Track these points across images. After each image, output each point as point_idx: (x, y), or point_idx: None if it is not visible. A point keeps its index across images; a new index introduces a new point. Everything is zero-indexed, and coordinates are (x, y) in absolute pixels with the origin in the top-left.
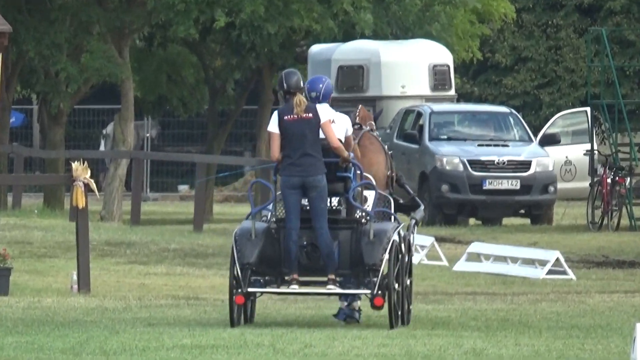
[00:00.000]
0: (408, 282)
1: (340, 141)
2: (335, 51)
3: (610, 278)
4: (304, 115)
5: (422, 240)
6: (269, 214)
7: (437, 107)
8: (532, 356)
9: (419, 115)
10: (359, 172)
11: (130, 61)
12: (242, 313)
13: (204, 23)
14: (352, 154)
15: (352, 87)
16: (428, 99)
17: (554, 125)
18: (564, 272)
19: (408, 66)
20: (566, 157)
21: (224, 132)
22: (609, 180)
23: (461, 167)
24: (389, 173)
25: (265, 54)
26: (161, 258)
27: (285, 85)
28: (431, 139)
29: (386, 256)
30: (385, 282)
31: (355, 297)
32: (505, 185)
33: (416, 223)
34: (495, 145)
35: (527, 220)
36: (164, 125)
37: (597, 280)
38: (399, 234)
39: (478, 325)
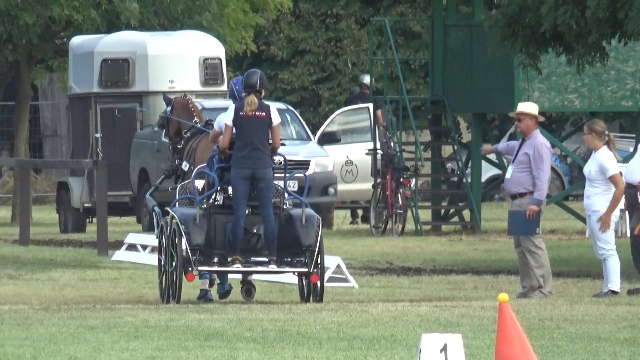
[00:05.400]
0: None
1: None
2: (98, 43)
3: (394, 286)
4: (257, 113)
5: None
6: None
7: (209, 103)
8: None
9: None
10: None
11: None
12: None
13: None
14: None
15: (116, 82)
16: (198, 94)
17: (334, 122)
18: (345, 280)
19: (177, 59)
20: (347, 156)
21: None
22: (393, 182)
23: None
24: None
25: (23, 46)
26: None
27: (243, 83)
28: None
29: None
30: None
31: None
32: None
33: None
34: None
35: None
36: None
37: (381, 288)
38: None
39: (254, 336)
